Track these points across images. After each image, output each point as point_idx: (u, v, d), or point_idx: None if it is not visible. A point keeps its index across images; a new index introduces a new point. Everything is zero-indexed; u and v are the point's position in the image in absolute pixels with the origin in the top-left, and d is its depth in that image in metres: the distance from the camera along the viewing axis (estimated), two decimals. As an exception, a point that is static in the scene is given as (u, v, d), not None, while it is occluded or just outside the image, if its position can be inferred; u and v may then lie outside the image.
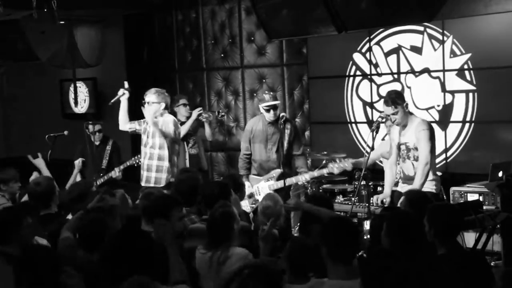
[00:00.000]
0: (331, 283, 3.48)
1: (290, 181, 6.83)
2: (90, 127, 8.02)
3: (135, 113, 7.15)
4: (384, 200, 6.04)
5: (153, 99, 6.77)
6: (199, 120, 7.77)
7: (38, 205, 5.24)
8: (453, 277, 3.81)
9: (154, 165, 6.78)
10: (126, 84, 7.06)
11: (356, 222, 5.87)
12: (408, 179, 5.95)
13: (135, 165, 7.55)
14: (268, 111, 6.94)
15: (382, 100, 6.15)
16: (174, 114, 7.51)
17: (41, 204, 5.31)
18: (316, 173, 6.85)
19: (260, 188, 6.97)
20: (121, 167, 7.75)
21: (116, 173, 7.74)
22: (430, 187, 5.87)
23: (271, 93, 7.23)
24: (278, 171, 6.93)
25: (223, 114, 8.06)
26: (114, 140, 8.27)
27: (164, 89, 7.01)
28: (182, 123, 7.65)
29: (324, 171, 6.81)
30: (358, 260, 3.68)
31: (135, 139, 8.34)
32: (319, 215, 4.65)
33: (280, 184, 6.81)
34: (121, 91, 7.01)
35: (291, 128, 7.03)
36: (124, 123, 7.04)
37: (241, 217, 4.82)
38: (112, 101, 7.10)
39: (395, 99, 5.88)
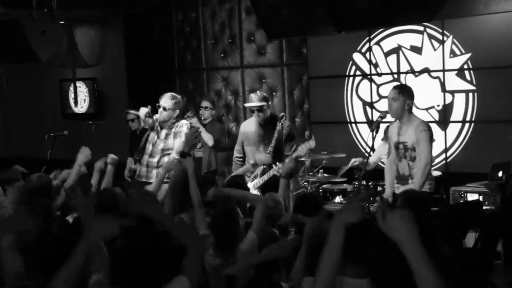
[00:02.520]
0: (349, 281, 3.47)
1: (272, 171, 6.50)
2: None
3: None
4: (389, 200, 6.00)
5: (169, 105, 6.32)
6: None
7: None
8: (455, 277, 3.81)
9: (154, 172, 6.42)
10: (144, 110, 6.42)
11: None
12: (403, 179, 5.93)
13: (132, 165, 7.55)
14: (252, 111, 6.73)
15: (384, 99, 6.14)
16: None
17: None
18: (290, 157, 6.54)
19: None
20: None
21: (132, 164, 7.68)
22: (424, 187, 5.86)
23: (259, 93, 6.87)
24: (260, 168, 6.73)
25: (190, 116, 7.47)
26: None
27: (179, 95, 6.65)
28: (204, 126, 7.45)
29: (296, 153, 6.46)
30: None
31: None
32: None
33: (265, 177, 6.55)
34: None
35: (287, 128, 6.72)
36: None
37: None
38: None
39: (402, 89, 5.87)
